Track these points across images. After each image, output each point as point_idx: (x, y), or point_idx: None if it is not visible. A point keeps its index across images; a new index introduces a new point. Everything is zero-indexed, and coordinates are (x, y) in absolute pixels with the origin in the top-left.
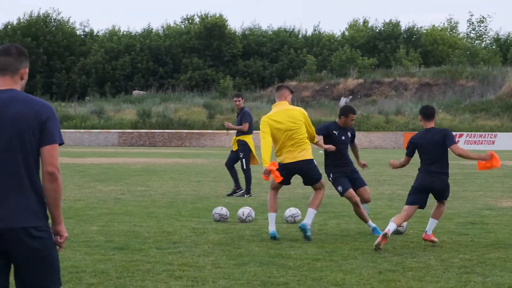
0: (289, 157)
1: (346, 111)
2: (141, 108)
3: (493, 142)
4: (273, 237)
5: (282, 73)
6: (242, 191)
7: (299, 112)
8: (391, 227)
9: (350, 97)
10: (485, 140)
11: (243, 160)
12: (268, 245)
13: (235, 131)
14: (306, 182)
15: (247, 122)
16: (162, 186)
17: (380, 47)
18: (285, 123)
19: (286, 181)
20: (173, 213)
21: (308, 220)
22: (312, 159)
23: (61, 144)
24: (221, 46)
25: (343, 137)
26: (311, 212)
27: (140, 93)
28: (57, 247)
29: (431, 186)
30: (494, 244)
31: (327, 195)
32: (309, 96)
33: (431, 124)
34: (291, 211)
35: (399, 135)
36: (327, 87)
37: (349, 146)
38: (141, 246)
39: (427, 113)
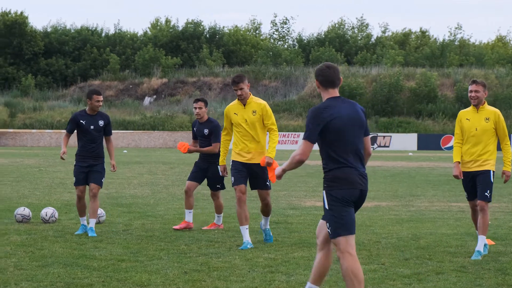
0: None
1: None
2: None
3: (296, 142)
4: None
5: (85, 72)
6: None
7: None
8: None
9: (154, 96)
10: (288, 140)
11: None
12: (72, 246)
13: None
14: None
15: None
16: None
17: (183, 47)
18: None
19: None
20: None
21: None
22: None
23: None
24: (21, 44)
25: (92, 126)
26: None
27: None
28: None
29: None
30: (298, 243)
31: (132, 195)
32: (113, 96)
33: None
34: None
35: None
36: (131, 86)
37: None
38: None
39: None
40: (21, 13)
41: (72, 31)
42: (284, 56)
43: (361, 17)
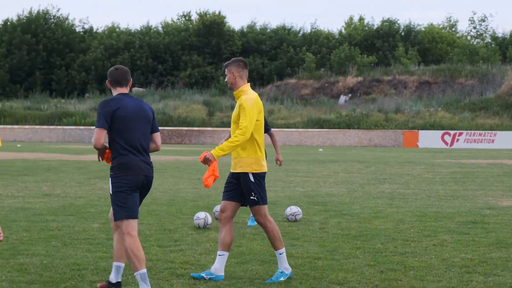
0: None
1: None
2: None
3: (493, 141)
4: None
5: (281, 71)
6: None
7: None
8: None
9: (350, 95)
10: (484, 139)
11: None
12: (269, 244)
13: None
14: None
15: None
16: (162, 183)
17: (378, 45)
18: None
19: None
20: (174, 211)
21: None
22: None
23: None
24: (220, 43)
25: None
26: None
27: (140, 90)
28: None
29: None
30: (495, 244)
31: (327, 193)
32: (308, 94)
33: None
34: (292, 209)
35: (398, 133)
36: (326, 85)
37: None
38: (142, 244)
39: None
40: (219, 13)
41: (269, 30)
42: (481, 54)
43: None
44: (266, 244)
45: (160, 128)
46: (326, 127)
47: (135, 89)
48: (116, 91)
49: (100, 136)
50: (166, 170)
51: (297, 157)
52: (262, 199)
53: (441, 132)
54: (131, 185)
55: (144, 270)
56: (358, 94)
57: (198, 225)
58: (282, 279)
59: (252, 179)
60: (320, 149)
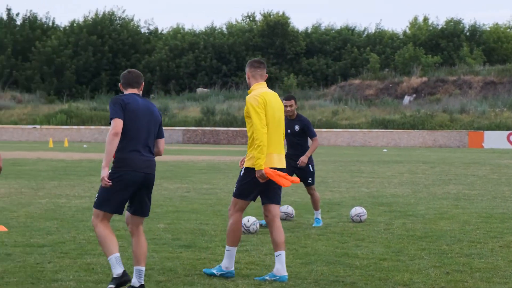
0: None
1: None
2: (205, 105)
3: None
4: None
5: (345, 72)
6: None
7: None
8: None
9: (414, 95)
10: None
11: None
12: (334, 244)
13: None
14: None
15: None
16: (227, 184)
17: (442, 45)
18: (280, 112)
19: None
20: None
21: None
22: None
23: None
24: (284, 44)
25: (289, 130)
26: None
27: (204, 91)
28: None
29: None
30: None
31: (392, 194)
32: (372, 95)
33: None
34: (356, 210)
35: (463, 134)
36: (390, 85)
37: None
38: (208, 244)
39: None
40: (283, 13)
41: (333, 31)
42: None
43: None
44: (331, 245)
45: (224, 128)
46: (390, 128)
47: (199, 90)
48: (127, 92)
49: (118, 124)
50: (230, 171)
51: (361, 158)
52: (238, 192)
53: (507, 132)
54: (128, 182)
55: (118, 254)
56: (423, 95)
57: (247, 230)
58: (214, 271)
59: (242, 172)
60: (385, 150)
